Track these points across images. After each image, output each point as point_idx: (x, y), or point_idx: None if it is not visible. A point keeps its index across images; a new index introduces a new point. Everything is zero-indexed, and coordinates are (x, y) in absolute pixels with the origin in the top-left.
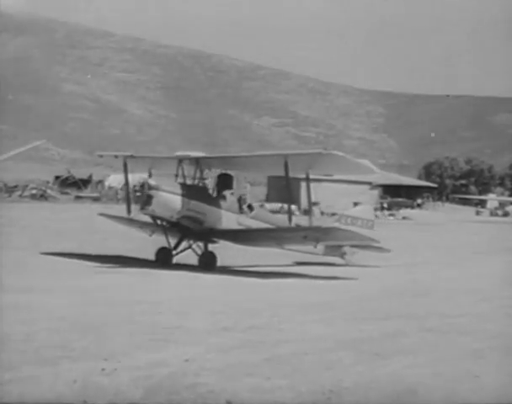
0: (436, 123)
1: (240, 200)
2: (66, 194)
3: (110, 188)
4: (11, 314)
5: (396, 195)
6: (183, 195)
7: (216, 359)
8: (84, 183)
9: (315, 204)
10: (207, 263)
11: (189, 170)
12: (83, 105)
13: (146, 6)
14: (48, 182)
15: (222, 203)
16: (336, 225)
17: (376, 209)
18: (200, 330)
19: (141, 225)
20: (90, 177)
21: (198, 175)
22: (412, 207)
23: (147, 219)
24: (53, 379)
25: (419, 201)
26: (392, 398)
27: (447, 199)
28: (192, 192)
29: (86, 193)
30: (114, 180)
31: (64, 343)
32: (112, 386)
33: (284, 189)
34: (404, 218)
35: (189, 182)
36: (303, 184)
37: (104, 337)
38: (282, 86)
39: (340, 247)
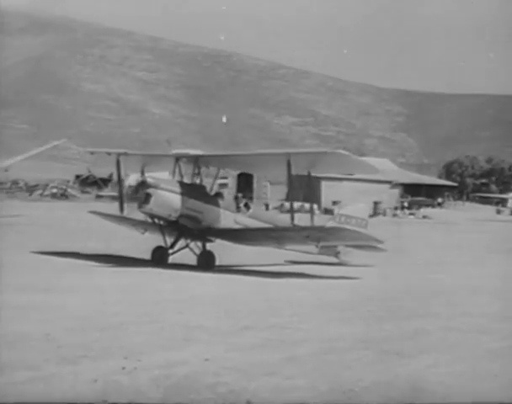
0: (457, 122)
1: (237, 199)
2: (87, 193)
3: (130, 187)
4: (31, 313)
5: (416, 194)
6: (181, 194)
7: (237, 359)
8: (105, 182)
9: (336, 203)
10: (206, 263)
11: (186, 168)
12: (104, 104)
13: (167, 5)
14: (68, 181)
15: (220, 201)
16: (330, 223)
17: (396, 208)
18: (220, 329)
19: (134, 223)
20: (110, 176)
21: (196, 173)
22: (432, 206)
23: (140, 217)
24: (73, 378)
25: (440, 200)
26: (412, 397)
27: (467, 198)
28: (190, 190)
29: (106, 192)
30: (134, 179)
31: (84, 343)
32: (132, 385)
33: (305, 188)
34: (424, 217)
35: (186, 180)
36: (324, 183)
37: (123, 337)
38: (302, 85)
39: (335, 246)
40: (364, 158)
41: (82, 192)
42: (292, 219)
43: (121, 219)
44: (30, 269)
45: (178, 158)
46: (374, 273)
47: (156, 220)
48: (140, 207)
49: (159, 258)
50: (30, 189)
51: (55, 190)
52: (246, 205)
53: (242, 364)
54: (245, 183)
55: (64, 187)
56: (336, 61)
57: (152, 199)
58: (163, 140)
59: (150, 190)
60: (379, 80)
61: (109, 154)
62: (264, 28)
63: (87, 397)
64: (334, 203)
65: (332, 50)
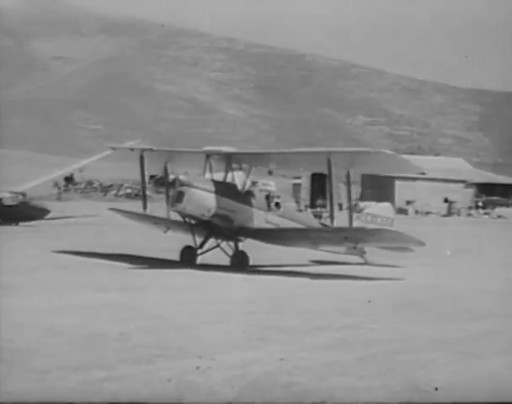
0: None
1: (268, 198)
2: (162, 193)
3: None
4: (106, 313)
5: (491, 194)
6: (215, 192)
7: (311, 358)
8: None
9: (410, 202)
10: (240, 263)
11: (217, 166)
12: (177, 105)
13: (240, 6)
14: None
15: (252, 200)
16: (356, 223)
17: (471, 208)
18: (294, 329)
19: (156, 221)
20: None
21: (228, 170)
22: (507, 206)
23: (160, 214)
24: (148, 377)
25: None
26: (487, 398)
27: None
28: (223, 189)
29: None
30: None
31: (159, 342)
32: (207, 385)
33: (379, 188)
34: (499, 216)
35: (217, 178)
36: (397, 183)
37: (198, 336)
38: (376, 84)
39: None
40: (438, 158)
41: (157, 192)
42: (332, 219)
43: (143, 216)
44: (100, 269)
45: (208, 155)
46: (446, 273)
47: (187, 220)
48: (172, 206)
49: (188, 259)
50: (105, 190)
51: (129, 190)
52: (277, 204)
53: (317, 363)
54: (319, 183)
55: (138, 187)
56: (410, 61)
57: (185, 198)
58: (237, 140)
59: (183, 188)
60: (453, 79)
61: (131, 150)
62: (337, 27)
63: (161, 397)
64: (408, 202)
65: (406, 50)
